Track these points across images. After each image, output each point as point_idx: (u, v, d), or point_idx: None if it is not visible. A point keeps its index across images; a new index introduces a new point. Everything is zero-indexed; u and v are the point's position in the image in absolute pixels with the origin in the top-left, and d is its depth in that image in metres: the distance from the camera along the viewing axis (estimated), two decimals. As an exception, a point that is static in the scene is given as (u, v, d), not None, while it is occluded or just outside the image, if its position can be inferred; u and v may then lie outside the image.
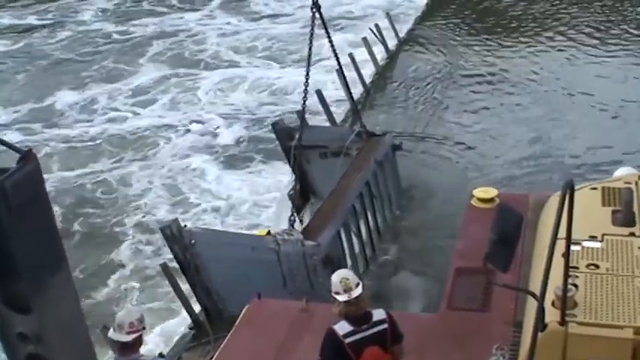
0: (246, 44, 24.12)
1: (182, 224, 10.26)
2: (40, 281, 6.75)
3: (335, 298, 6.06)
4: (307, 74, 11.39)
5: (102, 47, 24.60)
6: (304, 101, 11.43)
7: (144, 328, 6.17)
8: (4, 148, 6.77)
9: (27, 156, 6.64)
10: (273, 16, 26.41)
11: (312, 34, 11.37)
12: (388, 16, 22.41)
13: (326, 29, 11.91)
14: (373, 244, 12.09)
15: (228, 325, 8.73)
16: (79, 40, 25.35)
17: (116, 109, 20.16)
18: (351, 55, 18.79)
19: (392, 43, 21.41)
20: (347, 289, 6.00)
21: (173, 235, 10.05)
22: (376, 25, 21.18)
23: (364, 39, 20.20)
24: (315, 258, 9.94)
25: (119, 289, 12.87)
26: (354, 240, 11.43)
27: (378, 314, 6.15)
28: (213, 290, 10.46)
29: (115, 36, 25.58)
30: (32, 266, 6.64)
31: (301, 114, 11.76)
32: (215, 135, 18.43)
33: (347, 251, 11.08)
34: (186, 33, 25.34)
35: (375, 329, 6.06)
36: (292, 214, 10.75)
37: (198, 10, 27.62)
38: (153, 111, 19.90)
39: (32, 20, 27.52)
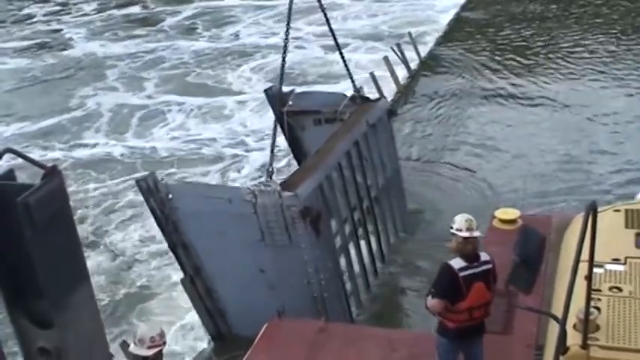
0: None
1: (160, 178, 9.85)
2: (62, 297, 6.80)
3: (456, 235, 6.75)
4: (287, 36, 10.89)
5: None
6: (283, 62, 10.93)
7: (164, 343, 6.17)
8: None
9: (51, 172, 6.71)
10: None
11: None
12: (410, 35, 22.47)
13: (325, 16, 11.77)
14: (363, 209, 11.57)
15: (246, 344, 8.70)
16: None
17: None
18: (372, 74, 18.86)
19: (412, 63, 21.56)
20: (470, 228, 6.73)
21: (149, 188, 9.66)
22: (397, 45, 21.25)
23: (385, 58, 20.26)
24: (293, 209, 9.45)
25: (139, 303, 12.84)
26: (340, 200, 10.94)
27: (484, 256, 6.87)
28: (191, 247, 10.08)
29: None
30: (55, 282, 6.69)
31: (280, 76, 11.24)
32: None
33: (331, 208, 10.56)
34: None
35: (483, 267, 6.78)
36: (270, 166, 10.15)
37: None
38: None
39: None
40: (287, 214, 9.48)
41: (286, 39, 10.87)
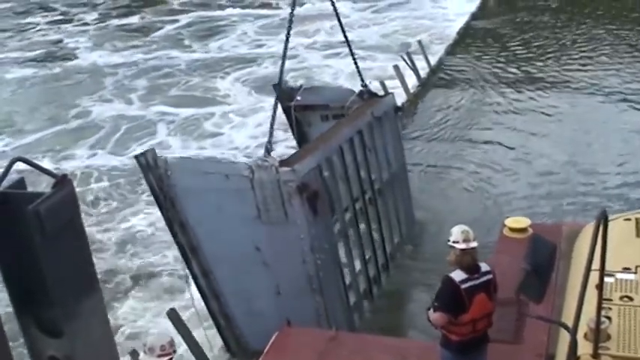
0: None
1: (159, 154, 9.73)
2: (72, 305, 6.81)
3: (453, 247, 6.72)
4: (288, 32, 10.85)
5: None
6: (283, 59, 10.98)
7: (174, 352, 6.19)
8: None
9: (62, 181, 6.73)
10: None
11: None
12: (420, 43, 22.48)
13: (338, 18, 11.86)
14: (365, 200, 11.43)
15: (255, 354, 8.69)
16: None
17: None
18: (382, 82, 18.86)
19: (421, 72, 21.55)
20: (466, 240, 6.69)
21: (148, 163, 9.51)
22: (408, 54, 21.27)
23: (395, 67, 20.27)
24: (289, 185, 9.33)
25: (148, 312, 12.84)
26: (342, 187, 10.83)
27: (484, 266, 6.83)
28: (188, 225, 9.94)
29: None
30: (65, 290, 6.70)
31: (280, 71, 11.29)
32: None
33: (331, 192, 10.43)
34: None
35: (484, 278, 6.76)
36: (269, 142, 10.11)
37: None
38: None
39: None
40: (284, 190, 9.36)
41: (288, 36, 10.84)
